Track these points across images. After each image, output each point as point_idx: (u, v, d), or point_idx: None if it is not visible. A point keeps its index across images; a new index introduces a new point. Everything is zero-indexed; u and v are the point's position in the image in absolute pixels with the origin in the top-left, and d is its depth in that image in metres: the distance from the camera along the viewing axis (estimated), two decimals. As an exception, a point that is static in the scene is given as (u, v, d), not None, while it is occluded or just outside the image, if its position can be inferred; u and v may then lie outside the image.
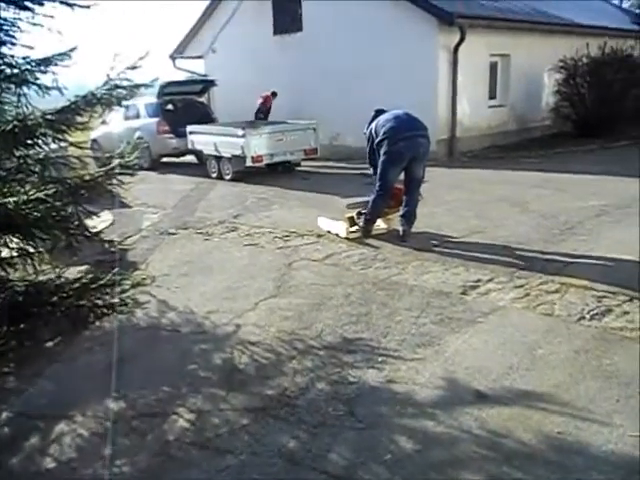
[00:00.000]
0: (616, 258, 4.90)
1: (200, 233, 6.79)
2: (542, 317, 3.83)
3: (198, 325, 4.03)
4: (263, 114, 13.18)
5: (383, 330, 3.75)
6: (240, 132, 10.23)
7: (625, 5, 23.29)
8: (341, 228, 6.20)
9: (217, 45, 15.01)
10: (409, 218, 5.90)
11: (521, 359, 3.21)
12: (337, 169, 11.68)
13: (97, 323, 3.82)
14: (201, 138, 11.32)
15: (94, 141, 13.01)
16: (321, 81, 13.03)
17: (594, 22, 14.62)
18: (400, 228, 5.94)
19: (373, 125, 5.96)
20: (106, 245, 4.34)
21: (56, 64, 3.63)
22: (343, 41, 12.51)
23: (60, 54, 3.64)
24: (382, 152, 5.70)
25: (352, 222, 6.28)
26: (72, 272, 3.69)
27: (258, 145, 10.25)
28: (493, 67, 12.81)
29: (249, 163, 10.27)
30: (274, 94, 13.25)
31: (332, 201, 8.25)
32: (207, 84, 13.63)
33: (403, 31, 11.42)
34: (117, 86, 4.36)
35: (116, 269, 3.94)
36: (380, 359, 3.34)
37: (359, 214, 6.29)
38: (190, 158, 13.35)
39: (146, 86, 4.67)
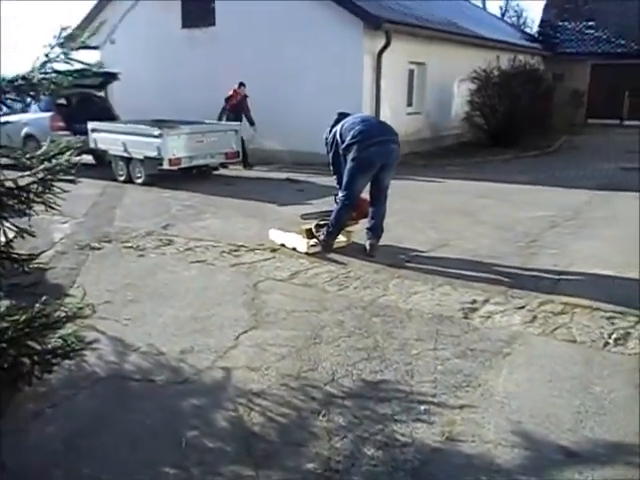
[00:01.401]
0: (600, 274, 4.78)
1: (130, 247, 5.84)
2: (567, 345, 3.52)
3: (175, 371, 3.24)
4: (232, 113, 11.26)
5: (405, 368, 3.22)
6: (156, 131, 9.22)
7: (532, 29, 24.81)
8: (299, 242, 5.58)
9: (116, 36, 13.65)
10: (376, 231, 5.43)
11: (583, 400, 2.83)
12: (258, 174, 10.99)
13: (38, 375, 2.95)
14: (106, 137, 10.10)
15: (29, 137, 11.21)
16: (235, 80, 12.23)
17: (502, 38, 15.24)
18: (367, 242, 5.45)
19: (337, 129, 5.42)
20: (18, 264, 3.48)
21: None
22: (261, 39, 11.85)
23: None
24: (350, 158, 5.18)
25: (310, 235, 5.69)
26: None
27: (176, 146, 9.30)
28: (410, 75, 12.82)
29: (166, 166, 9.28)
30: (241, 85, 11.33)
31: (270, 209, 7.61)
32: (108, 77, 12.27)
33: (327, 33, 11.01)
34: (56, 71, 3.49)
35: (44, 297, 3.08)
36: (422, 408, 2.81)
37: (318, 226, 5.72)
38: (87, 158, 11.95)
39: (94, 70, 3.83)
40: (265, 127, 11.44)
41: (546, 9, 21.10)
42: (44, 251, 5.49)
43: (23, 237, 3.41)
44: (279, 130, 11.86)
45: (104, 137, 10.10)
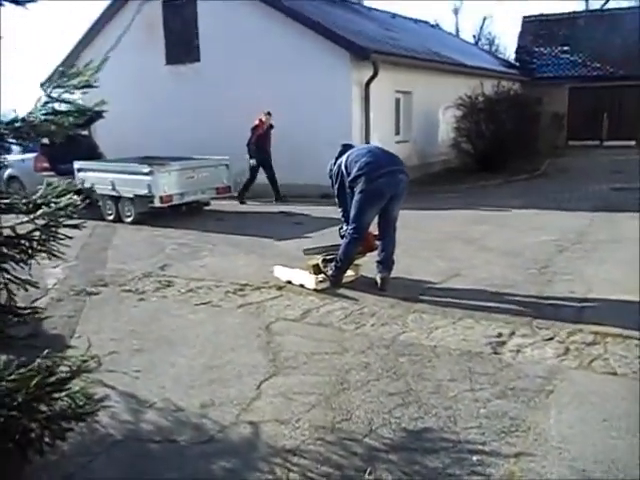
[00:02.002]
0: (622, 300, 4.65)
1: (129, 291, 5.58)
2: (609, 378, 3.34)
3: (197, 428, 2.98)
4: (255, 145, 10.84)
5: (446, 413, 3.01)
6: (146, 169, 9.01)
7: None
8: (307, 278, 5.38)
9: (99, 74, 13.49)
10: (387, 264, 5.26)
11: (649, 443, 2.64)
12: (250, 208, 10.80)
13: (50, 442, 2.67)
14: (94, 176, 9.85)
15: (13, 178, 10.93)
16: (223, 114, 12.13)
17: (482, 65, 15.46)
18: (378, 276, 5.26)
19: (342, 160, 5.28)
20: (20, 318, 3.25)
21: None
22: (247, 72, 11.79)
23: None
24: (358, 190, 5.02)
25: (317, 270, 5.49)
26: None
27: (167, 183, 9.10)
28: (397, 103, 12.86)
29: (157, 204, 9.05)
30: (268, 114, 10.93)
31: (268, 245, 7.41)
32: (92, 115, 12.07)
33: (315, 65, 11.00)
34: (57, 112, 3.32)
35: (45, 351, 2.83)
36: (475, 459, 2.59)
37: (325, 261, 5.53)
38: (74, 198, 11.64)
39: (98, 111, 3.67)
40: (255, 160, 11.30)
41: (521, 35, 21.57)
42: (38, 298, 5.31)
43: (26, 289, 3.18)
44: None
45: (91, 176, 9.85)
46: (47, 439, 2.69)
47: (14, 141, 3.33)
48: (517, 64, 20.54)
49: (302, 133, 11.27)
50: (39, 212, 3.12)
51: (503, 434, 2.79)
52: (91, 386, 2.88)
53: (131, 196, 9.32)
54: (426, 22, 22.42)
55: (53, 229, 3.23)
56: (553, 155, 16.26)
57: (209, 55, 12.34)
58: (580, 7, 33.64)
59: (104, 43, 13.33)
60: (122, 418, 3.10)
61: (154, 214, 9.46)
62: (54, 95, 3.27)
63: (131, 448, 2.84)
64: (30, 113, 3.20)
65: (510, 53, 29.49)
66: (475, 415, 2.98)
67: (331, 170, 5.48)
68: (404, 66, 12.15)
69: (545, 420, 2.89)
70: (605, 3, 28.40)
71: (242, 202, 11.16)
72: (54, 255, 3.28)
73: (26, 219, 3.11)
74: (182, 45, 12.63)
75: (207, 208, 10.45)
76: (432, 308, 4.71)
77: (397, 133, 12.95)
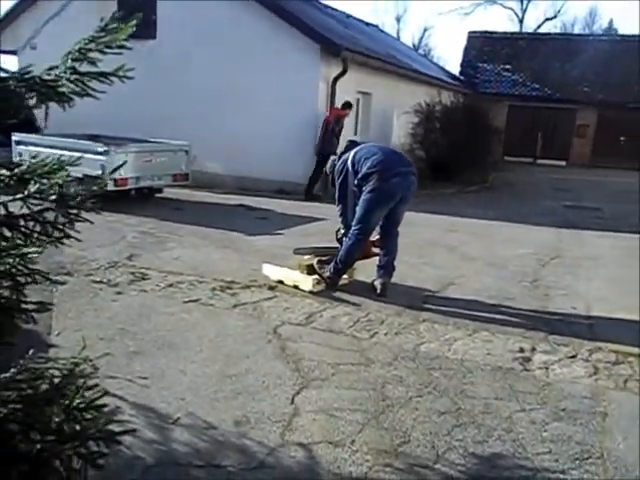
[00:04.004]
0: (626, 319, 4.69)
1: (100, 282, 5.00)
2: (652, 400, 3.29)
3: (241, 451, 2.60)
4: (334, 135, 10.26)
5: (509, 436, 2.81)
6: (101, 148, 8.27)
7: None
8: (303, 279, 5.04)
9: (38, 40, 12.37)
10: (388, 269, 5.04)
11: None
12: (206, 198, 10.24)
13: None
14: (36, 150, 8.91)
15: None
16: (178, 98, 11.44)
17: (434, 74, 15.66)
18: (378, 281, 5.02)
19: (348, 157, 4.98)
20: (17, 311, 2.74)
21: None
22: (210, 57, 11.18)
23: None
24: (369, 189, 4.75)
25: (311, 271, 5.17)
26: None
27: (124, 166, 8.37)
28: (357, 104, 12.70)
29: (111, 187, 8.30)
30: (348, 105, 10.52)
31: (240, 239, 6.99)
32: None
33: (283, 56, 10.58)
34: (77, 71, 2.82)
35: (31, 352, 2.38)
36: (561, 490, 2.41)
37: (321, 262, 5.22)
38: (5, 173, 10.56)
39: (117, 75, 3.17)
40: (209, 149, 10.76)
41: (466, 50, 22.18)
42: (-4, 286, 4.62)
43: (36, 281, 2.66)
44: (224, 153, 11.23)
45: (34, 151, 8.91)
46: (76, 466, 2.22)
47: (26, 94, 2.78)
48: (461, 77, 21.07)
49: (263, 126, 10.85)
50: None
51: (578, 461, 2.63)
52: (96, 395, 2.44)
53: (80, 176, 8.49)
54: (375, 26, 22.52)
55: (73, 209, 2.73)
56: (495, 169, 16.75)
57: (167, 34, 11.58)
58: (515, 29, 35.23)
59: (49, 7, 12.27)
60: (147, 436, 2.65)
61: (102, 197, 8.69)
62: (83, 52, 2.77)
63: (170, 475, 2.41)
64: (51, 69, 2.68)
65: (444, 65, 30.28)
66: (540, 439, 2.80)
67: (334, 166, 5.18)
68: (366, 67, 12.00)
69: (614, 446, 2.76)
70: (539, 27, 29.87)
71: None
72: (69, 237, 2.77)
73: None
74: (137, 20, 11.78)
75: (159, 195, 9.78)
76: (441, 318, 4.53)
77: (355, 134, 12.77)
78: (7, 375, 2.11)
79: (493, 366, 3.66)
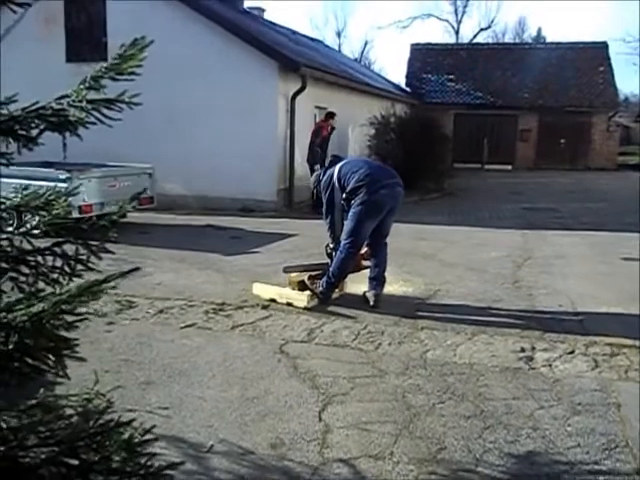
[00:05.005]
0: (611, 312, 4.92)
1: (87, 313, 4.82)
2: (656, 389, 3.46)
3: (287, 473, 2.56)
4: (323, 147, 10.89)
5: (537, 434, 2.90)
6: (63, 175, 8.03)
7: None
8: (297, 296, 5.04)
9: (-19, 66, 11.90)
10: (379, 280, 5.10)
11: None
12: (170, 220, 10.06)
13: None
14: (-6, 181, 8.57)
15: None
16: (133, 119, 11.20)
17: (388, 87, 16.01)
18: (370, 293, 5.07)
19: (334, 172, 5.04)
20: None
21: None
22: (165, 77, 11.03)
23: None
24: (358, 202, 4.82)
25: (303, 287, 5.18)
26: None
27: (87, 192, 8.16)
28: (314, 119, 12.82)
29: (75, 214, 8.07)
30: (331, 115, 10.88)
31: (218, 260, 6.92)
32: None
33: (241, 74, 10.59)
34: (90, 100, 2.78)
35: (41, 391, 2.32)
36: (602, 479, 2.51)
37: (312, 277, 5.23)
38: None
39: (125, 102, 3.12)
40: (168, 170, 10.60)
41: (410, 62, 22.80)
42: None
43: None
44: (184, 174, 11.11)
45: (-10, 182, 8.55)
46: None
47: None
48: (407, 89, 21.62)
49: (223, 144, 10.81)
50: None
51: (607, 451, 2.74)
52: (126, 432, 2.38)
53: (39, 204, 8.22)
54: (320, 41, 22.87)
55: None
56: (448, 176, 17.22)
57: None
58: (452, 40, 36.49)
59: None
60: (187, 468, 2.58)
61: (65, 228, 8.42)
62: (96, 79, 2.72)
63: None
64: (61, 97, 2.62)
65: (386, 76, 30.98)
66: (566, 434, 2.91)
67: (318, 182, 5.23)
68: (323, 82, 12.16)
69: (636, 434, 2.89)
70: (474, 37, 31.03)
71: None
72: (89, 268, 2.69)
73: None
74: (86, 42, 11.55)
75: (122, 220, 9.53)
76: (438, 325, 4.62)
77: (314, 148, 12.90)
78: (33, 421, 2.04)
79: (501, 367, 3.77)
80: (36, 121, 2.57)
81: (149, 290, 5.58)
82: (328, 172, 5.14)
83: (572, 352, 4.05)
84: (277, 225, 9.51)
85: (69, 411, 2.26)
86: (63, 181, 8.00)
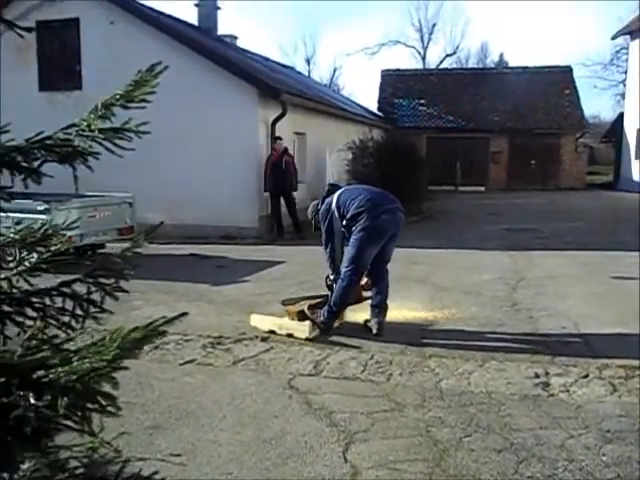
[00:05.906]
0: (615, 333, 4.90)
1: (78, 353, 4.57)
2: (679, 412, 3.41)
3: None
4: (276, 174, 10.28)
5: (574, 466, 2.79)
6: (41, 206, 7.73)
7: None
8: (299, 327, 4.88)
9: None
10: (381, 308, 4.98)
11: None
12: (151, 250, 9.76)
13: None
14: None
15: None
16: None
17: (362, 112, 16.13)
18: (373, 320, 4.95)
19: (332, 200, 4.96)
20: None
21: None
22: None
23: None
24: (359, 228, 4.72)
25: (302, 317, 5.03)
26: None
27: (68, 223, 7.86)
28: (293, 145, 12.79)
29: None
30: (278, 138, 10.41)
31: (207, 290, 6.74)
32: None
33: (221, 101, 10.51)
34: (101, 129, 2.63)
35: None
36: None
37: (312, 307, 5.08)
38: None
39: (134, 131, 2.97)
40: (147, 199, 10.35)
41: (382, 87, 23.11)
42: None
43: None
44: (164, 202, 10.88)
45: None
46: None
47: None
48: (380, 114, 21.86)
49: (203, 172, 10.66)
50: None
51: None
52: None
53: (16, 238, 7.89)
54: (292, 68, 23.04)
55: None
56: (424, 199, 17.34)
57: (94, 84, 11.17)
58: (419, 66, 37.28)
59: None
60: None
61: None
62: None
63: None
64: (68, 127, 2.46)
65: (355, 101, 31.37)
66: (603, 464, 2.81)
67: (318, 210, 5.13)
68: (301, 108, 12.17)
69: (674, 462, 2.81)
70: (441, 62, 31.72)
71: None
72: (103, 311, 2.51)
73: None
74: (60, 71, 11.33)
75: (101, 251, 9.26)
76: (445, 352, 4.52)
77: (293, 173, 12.83)
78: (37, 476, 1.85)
79: (520, 395, 3.67)
80: (42, 152, 2.40)
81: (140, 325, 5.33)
82: (326, 201, 5.05)
83: (586, 376, 3.99)
84: (262, 252, 9.35)
85: (73, 463, 2.07)
86: (42, 212, 7.72)
